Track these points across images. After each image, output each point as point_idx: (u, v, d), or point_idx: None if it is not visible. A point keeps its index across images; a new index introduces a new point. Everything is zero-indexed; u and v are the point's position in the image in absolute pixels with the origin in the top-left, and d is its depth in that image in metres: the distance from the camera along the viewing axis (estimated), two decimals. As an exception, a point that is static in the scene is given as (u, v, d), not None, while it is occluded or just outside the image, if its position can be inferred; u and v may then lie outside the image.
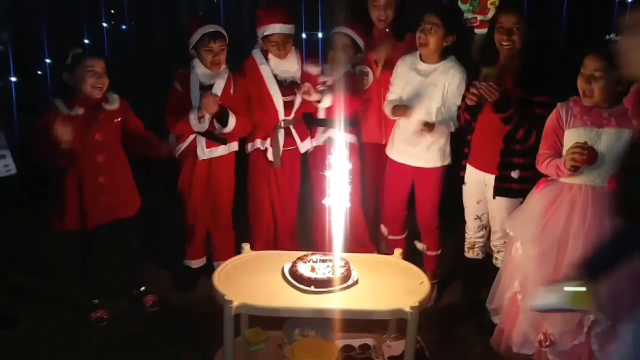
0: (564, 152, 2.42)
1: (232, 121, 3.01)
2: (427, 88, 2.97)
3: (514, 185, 2.75)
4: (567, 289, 1.77)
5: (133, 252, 3.11)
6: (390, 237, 3.31)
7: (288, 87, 3.13)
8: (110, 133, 2.80)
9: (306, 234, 3.43)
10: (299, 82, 3.11)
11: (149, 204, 3.12)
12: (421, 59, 3.02)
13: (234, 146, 3.19)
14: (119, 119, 2.84)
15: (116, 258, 3.13)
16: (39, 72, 5.01)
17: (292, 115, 3.18)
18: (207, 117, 2.99)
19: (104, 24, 4.96)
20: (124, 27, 5.26)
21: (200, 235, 3.28)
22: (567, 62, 2.73)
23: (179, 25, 4.65)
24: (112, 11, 5.12)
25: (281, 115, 3.15)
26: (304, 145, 3.26)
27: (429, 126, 2.89)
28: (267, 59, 3.12)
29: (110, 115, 2.80)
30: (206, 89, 3.02)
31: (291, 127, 3.19)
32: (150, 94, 3.44)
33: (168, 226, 3.67)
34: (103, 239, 2.98)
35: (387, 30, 3.29)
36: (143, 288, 3.13)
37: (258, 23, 3.08)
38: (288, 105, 3.15)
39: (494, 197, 2.80)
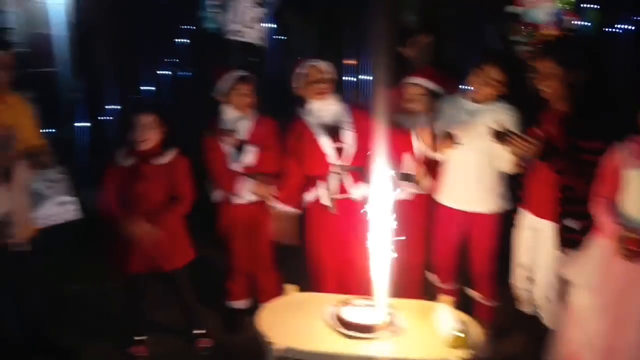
0: (621, 197, 2.27)
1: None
2: (478, 127, 2.85)
3: (577, 236, 2.54)
4: None
5: (187, 301, 3.14)
6: (440, 285, 3.19)
7: (332, 131, 3.04)
8: (153, 186, 2.86)
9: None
10: (343, 127, 3.04)
11: (198, 244, 3.16)
12: (469, 99, 2.94)
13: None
14: (166, 174, 2.89)
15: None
16: (110, 118, 5.34)
17: (345, 161, 3.05)
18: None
19: (163, 72, 5.25)
20: (181, 73, 5.54)
21: (243, 276, 3.30)
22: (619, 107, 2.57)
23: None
24: (176, 60, 5.43)
25: (333, 160, 3.04)
26: (357, 192, 3.07)
27: (500, 135, 2.67)
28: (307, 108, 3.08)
29: (155, 169, 2.87)
30: (232, 131, 3.09)
31: (344, 173, 3.06)
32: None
33: (218, 266, 3.72)
34: (154, 283, 3.05)
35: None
36: (199, 331, 3.16)
37: (296, 68, 3.09)
38: (340, 152, 3.04)
39: (560, 251, 2.63)
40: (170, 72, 5.29)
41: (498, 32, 3.68)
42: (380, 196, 2.25)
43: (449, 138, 2.87)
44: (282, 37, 4.62)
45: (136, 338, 3.09)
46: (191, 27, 5.23)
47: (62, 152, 3.00)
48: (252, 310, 3.28)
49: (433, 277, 3.24)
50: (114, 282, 3.11)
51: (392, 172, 3.00)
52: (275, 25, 3.72)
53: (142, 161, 2.86)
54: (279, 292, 3.19)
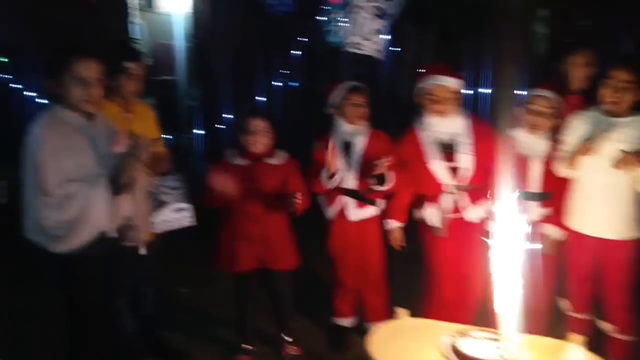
0: None
1: (390, 179, 2.92)
2: (615, 143, 2.60)
3: None
4: None
5: (285, 305, 3.11)
6: (572, 315, 2.91)
7: (447, 150, 2.89)
8: (267, 186, 2.87)
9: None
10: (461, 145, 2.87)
11: (313, 257, 3.13)
12: (605, 113, 2.68)
13: (382, 204, 3.10)
14: (279, 175, 2.90)
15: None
16: (222, 126, 5.52)
17: (460, 181, 2.91)
18: (339, 175, 2.95)
19: (275, 83, 5.33)
20: (294, 84, 5.59)
21: (350, 294, 3.21)
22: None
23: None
24: (287, 71, 5.50)
25: (446, 180, 2.91)
26: (472, 213, 2.93)
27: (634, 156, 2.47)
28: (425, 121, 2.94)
29: (270, 169, 2.89)
30: (347, 145, 3.01)
31: (459, 193, 2.92)
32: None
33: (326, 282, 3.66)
34: (259, 285, 3.04)
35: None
36: (290, 339, 3.13)
37: (419, 80, 2.94)
38: (454, 172, 2.91)
39: None
40: (281, 84, 5.36)
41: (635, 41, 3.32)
42: (507, 218, 2.06)
43: (585, 149, 2.63)
44: (398, 49, 4.52)
45: (243, 346, 3.10)
46: (305, 39, 5.27)
47: (179, 159, 3.08)
48: (357, 329, 3.23)
49: (565, 305, 2.97)
50: (226, 287, 3.15)
51: (518, 192, 2.84)
52: (390, 37, 3.61)
53: (256, 161, 2.89)
54: (386, 312, 3.12)
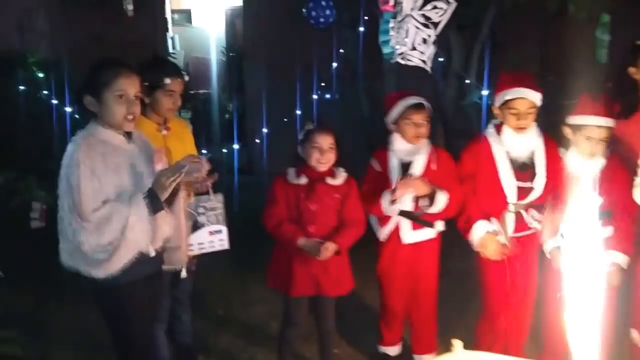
0: None
1: (442, 199, 2.73)
2: None
3: None
4: None
5: (327, 331, 2.92)
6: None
7: (521, 168, 2.69)
8: (326, 206, 2.70)
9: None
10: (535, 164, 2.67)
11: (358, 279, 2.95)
12: None
13: (440, 226, 2.90)
14: (338, 196, 2.73)
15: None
16: (257, 140, 5.43)
17: (525, 200, 2.71)
18: (400, 200, 2.76)
19: (314, 96, 5.18)
20: (328, 96, 5.47)
21: (398, 322, 3.03)
22: None
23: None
24: (322, 84, 5.34)
25: (512, 200, 2.71)
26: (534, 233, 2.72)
27: None
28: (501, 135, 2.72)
29: (329, 189, 2.71)
30: (405, 166, 2.82)
31: (522, 212, 2.72)
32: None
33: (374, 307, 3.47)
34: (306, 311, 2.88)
35: None
36: None
37: (499, 88, 2.73)
38: (523, 191, 2.70)
39: None
40: (318, 97, 5.23)
41: None
42: (577, 241, 1.86)
43: None
44: (442, 59, 4.35)
45: None
46: (344, 51, 5.15)
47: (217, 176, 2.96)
48: (402, 358, 3.05)
49: (636, 335, 2.72)
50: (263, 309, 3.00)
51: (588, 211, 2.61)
52: (436, 46, 3.44)
53: (318, 180, 2.71)
54: (434, 344, 2.97)
